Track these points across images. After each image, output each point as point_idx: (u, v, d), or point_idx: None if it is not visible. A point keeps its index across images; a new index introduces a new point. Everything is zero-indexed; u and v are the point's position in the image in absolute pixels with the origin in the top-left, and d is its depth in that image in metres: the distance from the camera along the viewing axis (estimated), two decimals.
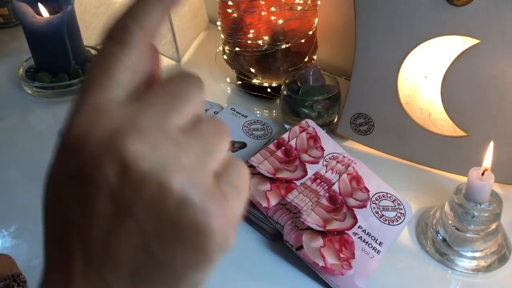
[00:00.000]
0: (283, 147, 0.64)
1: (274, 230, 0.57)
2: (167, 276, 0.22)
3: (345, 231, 0.56)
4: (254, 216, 0.59)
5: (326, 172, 0.62)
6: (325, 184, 0.61)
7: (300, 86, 0.72)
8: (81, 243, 0.22)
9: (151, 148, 0.21)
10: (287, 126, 0.73)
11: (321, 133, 0.66)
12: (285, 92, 0.71)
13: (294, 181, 0.60)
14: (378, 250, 0.55)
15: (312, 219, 0.56)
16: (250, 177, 0.25)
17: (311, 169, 0.62)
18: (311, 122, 0.67)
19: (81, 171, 0.22)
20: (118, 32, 0.24)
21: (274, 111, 0.80)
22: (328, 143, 0.66)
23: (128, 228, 0.21)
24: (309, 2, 0.73)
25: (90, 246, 0.22)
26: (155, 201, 0.21)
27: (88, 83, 0.23)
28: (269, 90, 0.79)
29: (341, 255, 0.54)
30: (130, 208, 0.21)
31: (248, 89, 0.82)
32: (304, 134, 0.65)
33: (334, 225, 0.56)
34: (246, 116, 0.76)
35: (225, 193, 0.23)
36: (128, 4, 0.25)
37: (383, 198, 0.61)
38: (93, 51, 0.91)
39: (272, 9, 0.72)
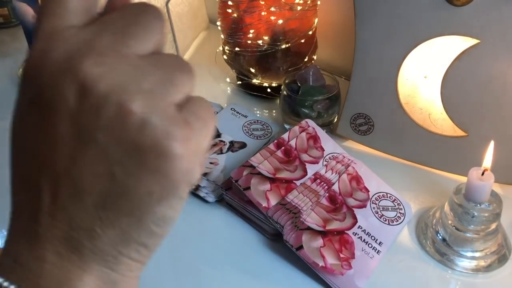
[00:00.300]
0: (283, 147, 0.64)
1: (274, 230, 0.57)
2: (132, 206, 0.22)
3: (345, 231, 0.56)
4: (254, 216, 0.59)
5: (326, 172, 0.62)
6: (325, 184, 0.61)
7: (300, 86, 0.72)
8: (45, 176, 0.22)
9: (109, 70, 0.21)
10: (287, 126, 0.73)
11: (321, 133, 0.66)
12: (285, 92, 0.71)
13: (294, 181, 0.61)
14: (378, 250, 0.55)
15: (312, 219, 0.56)
16: (214, 114, 0.25)
17: (311, 169, 0.62)
18: (311, 122, 0.67)
19: (40, 96, 0.21)
20: None
21: (274, 111, 0.80)
22: (328, 143, 0.66)
23: (90, 154, 0.21)
24: (309, 2, 0.73)
25: (55, 177, 0.22)
26: (115, 124, 0.21)
27: (42, 12, 0.23)
28: (269, 90, 0.79)
29: (341, 255, 0.54)
30: (91, 132, 0.21)
31: (248, 89, 0.82)
32: (304, 134, 0.65)
33: (334, 225, 0.56)
34: (246, 116, 0.76)
35: (188, 121, 0.22)
36: None
37: (383, 198, 0.61)
38: None
39: (272, 9, 0.72)
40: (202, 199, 0.63)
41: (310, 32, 0.76)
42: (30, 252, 0.22)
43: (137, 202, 0.22)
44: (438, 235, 0.56)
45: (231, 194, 0.61)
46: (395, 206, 0.61)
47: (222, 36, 0.80)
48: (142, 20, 0.23)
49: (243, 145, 0.70)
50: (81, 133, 0.21)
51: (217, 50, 0.86)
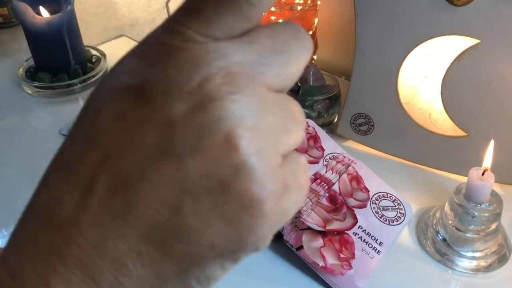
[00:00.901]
0: None
1: None
2: (184, 252, 0.18)
3: (345, 231, 0.56)
4: None
5: (326, 172, 0.62)
6: (325, 184, 0.61)
7: (300, 86, 0.72)
8: (101, 174, 0.18)
9: (233, 93, 0.18)
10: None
11: (321, 133, 0.66)
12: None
13: None
14: (378, 250, 0.55)
15: (312, 219, 0.56)
16: (308, 181, 0.21)
17: (311, 169, 0.62)
18: (311, 122, 0.67)
19: (142, 89, 0.18)
20: None
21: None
22: (328, 143, 0.66)
23: (165, 173, 0.17)
24: (309, 2, 0.73)
25: (111, 182, 0.18)
26: (213, 153, 0.17)
27: (187, 11, 0.19)
28: (303, 134, 0.79)
29: (341, 255, 0.54)
30: (179, 150, 0.17)
31: None
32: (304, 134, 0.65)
33: (334, 225, 0.56)
34: None
35: (287, 181, 0.19)
36: None
37: (383, 198, 0.61)
38: (93, 51, 0.91)
39: (272, 9, 0.72)
40: None
41: (310, 32, 0.76)
42: (34, 272, 0.18)
43: (192, 249, 0.18)
44: (439, 235, 0.56)
45: None
46: (395, 206, 0.61)
47: None
48: (290, 50, 0.20)
49: None
50: (168, 147, 0.17)
51: None
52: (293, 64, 0.20)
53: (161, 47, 0.19)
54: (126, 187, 0.18)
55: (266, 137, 0.18)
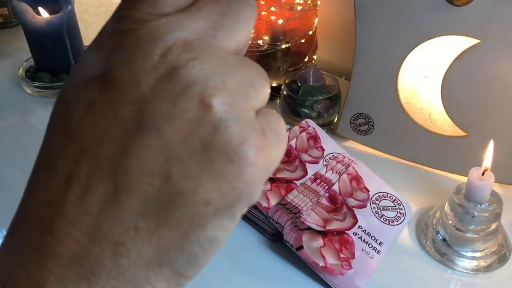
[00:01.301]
0: None
1: (274, 230, 0.57)
2: (181, 216, 0.18)
3: (345, 231, 0.56)
4: (254, 216, 0.59)
5: (326, 172, 0.62)
6: (325, 184, 0.61)
7: (300, 86, 0.72)
8: (83, 163, 0.18)
9: (197, 58, 0.18)
10: (287, 126, 0.73)
11: (321, 133, 0.66)
12: (285, 92, 0.71)
13: (294, 181, 0.60)
14: (378, 250, 0.55)
15: (312, 219, 0.56)
16: (286, 130, 0.22)
17: (311, 169, 0.62)
18: (311, 122, 0.67)
19: (107, 75, 0.18)
20: None
21: (274, 111, 0.79)
22: (328, 143, 0.66)
23: (147, 145, 0.18)
24: (309, 2, 0.73)
25: (94, 167, 0.18)
26: (189, 117, 0.18)
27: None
28: (269, 90, 0.79)
29: (341, 255, 0.54)
30: (156, 120, 0.18)
31: None
32: (304, 134, 0.65)
33: (334, 225, 0.56)
34: None
35: (264, 129, 0.20)
36: None
37: (383, 198, 0.61)
38: None
39: (272, 9, 0.72)
40: None
41: (310, 32, 0.76)
42: (27, 277, 0.18)
43: (189, 212, 0.18)
44: (439, 235, 0.56)
45: None
46: (395, 206, 0.61)
47: None
48: (236, 10, 0.20)
49: None
50: (144, 120, 0.18)
51: None
52: (241, 23, 0.21)
53: (116, 34, 0.19)
54: (111, 168, 0.18)
55: (236, 93, 0.19)
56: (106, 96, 0.18)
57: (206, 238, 0.19)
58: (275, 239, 0.58)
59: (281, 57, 0.76)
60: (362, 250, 0.55)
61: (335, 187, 0.60)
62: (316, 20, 0.77)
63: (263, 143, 0.19)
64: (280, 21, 0.73)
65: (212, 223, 0.19)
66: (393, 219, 0.59)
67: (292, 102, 0.71)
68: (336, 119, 0.72)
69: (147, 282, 0.19)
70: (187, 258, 0.19)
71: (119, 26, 0.20)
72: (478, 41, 0.59)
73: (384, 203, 0.61)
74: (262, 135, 0.19)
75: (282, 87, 0.72)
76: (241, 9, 0.21)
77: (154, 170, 0.18)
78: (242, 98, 0.19)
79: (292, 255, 0.55)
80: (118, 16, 0.20)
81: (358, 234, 0.56)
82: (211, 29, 0.20)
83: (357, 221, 0.57)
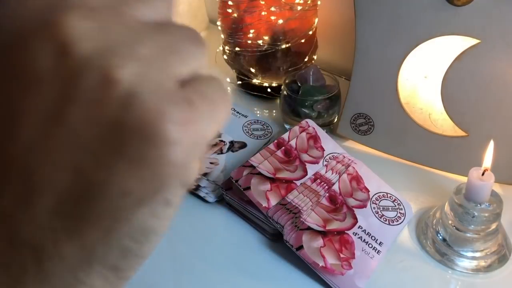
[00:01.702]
0: (283, 147, 0.64)
1: (274, 230, 0.57)
2: (100, 211, 0.16)
3: (345, 231, 0.56)
4: (254, 216, 0.59)
5: (326, 172, 0.62)
6: (325, 184, 0.61)
7: (300, 86, 0.72)
8: None
9: (98, 28, 0.16)
10: (287, 126, 0.73)
11: (321, 133, 0.66)
12: (285, 92, 0.71)
13: (294, 181, 0.60)
14: (378, 250, 0.55)
15: (312, 219, 0.56)
16: (228, 97, 0.19)
17: (311, 169, 0.62)
18: (311, 122, 0.67)
19: (6, 56, 0.16)
20: None
21: (274, 111, 0.80)
22: (328, 143, 0.66)
23: (56, 137, 0.16)
24: (309, 2, 0.73)
25: (2, 166, 0.16)
26: (94, 96, 0.16)
27: None
28: (269, 90, 0.79)
29: (341, 255, 0.54)
30: (62, 106, 0.16)
31: (248, 89, 0.82)
32: (304, 134, 0.65)
33: (334, 225, 0.56)
34: (246, 116, 0.76)
35: (191, 101, 0.17)
36: None
37: (383, 198, 0.61)
38: None
39: (272, 9, 0.72)
40: (202, 199, 0.63)
41: (310, 32, 0.76)
42: None
43: (107, 205, 0.16)
44: (439, 235, 0.56)
45: (231, 194, 0.61)
46: (395, 206, 0.61)
47: (222, 36, 0.80)
48: None
49: (243, 145, 0.70)
50: (49, 108, 0.16)
51: (217, 50, 0.86)
52: None
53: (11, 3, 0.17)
54: (18, 168, 0.16)
55: (149, 62, 0.16)
56: (4, 82, 0.16)
57: (137, 230, 0.17)
58: (275, 239, 0.58)
59: (281, 57, 0.76)
60: (362, 250, 0.55)
61: (335, 187, 0.60)
62: (316, 20, 0.77)
63: (189, 116, 0.17)
64: (280, 21, 0.73)
65: (139, 214, 0.17)
66: (393, 219, 0.59)
67: (292, 102, 0.71)
68: (336, 119, 0.72)
69: (81, 283, 0.17)
70: (119, 252, 0.17)
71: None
72: (478, 41, 0.59)
73: (384, 203, 0.61)
74: (188, 107, 0.17)
75: (282, 87, 0.72)
76: None
77: (63, 164, 0.16)
78: (159, 67, 0.17)
79: (292, 255, 0.55)
80: None
81: (358, 234, 0.56)
82: None
83: (357, 221, 0.57)
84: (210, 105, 0.18)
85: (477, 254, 0.55)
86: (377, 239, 0.56)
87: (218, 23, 0.79)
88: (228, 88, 0.86)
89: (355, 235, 0.56)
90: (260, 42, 0.75)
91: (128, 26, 0.17)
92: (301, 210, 0.57)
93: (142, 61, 0.16)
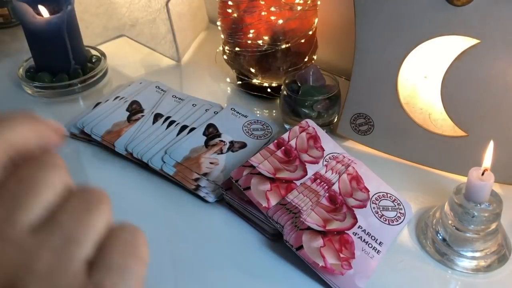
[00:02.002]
0: (283, 147, 0.64)
1: (274, 230, 0.57)
2: None
3: (345, 231, 0.56)
4: (254, 216, 0.59)
5: (326, 172, 0.62)
6: (325, 184, 0.61)
7: (300, 86, 0.72)
8: None
9: None
10: (287, 126, 0.73)
11: (321, 133, 0.66)
12: (285, 92, 0.71)
13: (294, 181, 0.61)
14: (378, 250, 0.55)
15: (312, 219, 0.56)
16: (143, 242, 0.20)
17: (311, 169, 0.62)
18: (311, 122, 0.67)
19: None
20: None
21: (274, 111, 0.80)
22: (328, 143, 0.66)
23: None
24: (309, 2, 0.73)
25: None
26: None
27: None
28: (269, 90, 0.79)
29: (341, 255, 0.54)
30: None
31: (248, 89, 0.82)
32: (304, 134, 0.65)
33: (334, 225, 0.56)
34: (246, 116, 0.76)
35: (102, 285, 0.18)
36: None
37: (383, 198, 0.61)
38: (93, 51, 0.91)
39: (272, 9, 0.72)
40: (202, 199, 0.63)
41: (310, 32, 0.76)
42: None
43: None
44: (438, 235, 0.56)
45: (231, 194, 0.61)
46: (395, 206, 0.61)
47: (222, 36, 0.80)
48: (38, 180, 0.19)
49: (243, 145, 0.70)
50: None
51: (217, 50, 0.86)
52: (44, 188, 0.19)
53: None
54: None
55: (51, 271, 0.18)
56: None
57: None
58: (275, 239, 0.58)
59: (281, 57, 0.76)
60: (362, 250, 0.55)
61: (335, 187, 0.60)
62: (316, 20, 0.77)
63: None
64: (280, 21, 0.73)
65: None
66: (393, 219, 0.59)
67: (292, 102, 0.71)
68: (336, 119, 0.72)
69: None
70: None
71: None
72: (478, 41, 0.59)
73: (384, 203, 0.61)
74: None
75: (282, 87, 0.72)
76: (40, 172, 0.19)
77: None
78: (61, 270, 0.18)
79: (292, 255, 0.55)
80: None
81: (358, 234, 0.56)
82: (6, 212, 0.18)
83: (357, 221, 0.57)
84: (122, 273, 0.19)
85: (477, 254, 0.55)
86: (377, 239, 0.56)
87: (218, 23, 0.79)
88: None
89: (355, 235, 0.56)
90: (260, 42, 0.75)
91: (18, 244, 0.18)
92: (301, 210, 0.57)
93: (44, 275, 0.17)
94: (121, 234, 0.20)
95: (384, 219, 0.59)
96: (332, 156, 0.65)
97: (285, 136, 0.65)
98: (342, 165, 0.64)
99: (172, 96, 0.80)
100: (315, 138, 0.66)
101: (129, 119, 0.75)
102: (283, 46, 0.75)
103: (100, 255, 0.19)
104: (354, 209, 0.59)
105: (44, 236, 0.18)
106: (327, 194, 0.60)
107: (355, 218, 0.58)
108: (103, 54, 0.90)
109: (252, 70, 0.78)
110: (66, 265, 0.18)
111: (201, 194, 0.63)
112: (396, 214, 0.60)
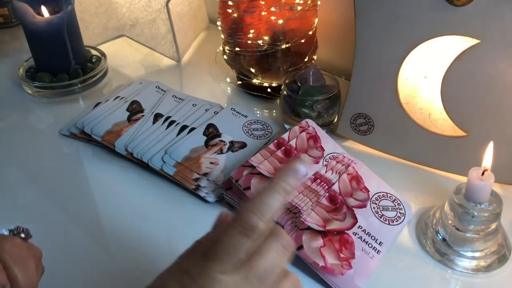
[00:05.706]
0: (283, 147, 0.64)
1: None
2: None
3: (345, 231, 0.56)
4: None
5: (326, 172, 0.62)
6: (325, 184, 0.61)
7: (300, 86, 0.72)
8: None
9: None
10: (287, 126, 0.73)
11: (321, 133, 0.66)
12: (285, 92, 0.71)
13: None
14: (378, 250, 0.55)
15: (312, 219, 0.56)
16: None
17: (311, 169, 0.62)
18: (311, 122, 0.67)
19: None
20: (244, 224, 0.31)
21: (274, 111, 0.80)
22: (328, 143, 0.66)
23: None
24: (309, 2, 0.73)
25: None
26: None
27: (215, 255, 0.32)
28: (269, 90, 0.80)
29: (341, 255, 0.54)
30: None
31: (248, 89, 0.82)
32: (304, 134, 0.66)
33: (334, 225, 0.56)
34: (246, 116, 0.76)
35: None
36: (254, 194, 0.32)
37: (383, 198, 0.61)
38: (93, 51, 0.91)
39: (272, 9, 0.72)
40: (202, 199, 0.63)
41: (310, 32, 0.76)
42: None
43: None
44: (438, 235, 0.56)
45: (231, 194, 0.61)
46: (395, 206, 0.61)
47: (222, 36, 0.80)
48: (275, 270, 0.34)
49: (243, 145, 0.70)
50: None
51: (217, 50, 0.86)
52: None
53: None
54: None
55: None
56: None
57: None
58: None
59: (281, 57, 0.76)
60: (362, 250, 0.55)
61: (335, 187, 0.60)
62: (316, 20, 0.77)
63: None
64: (280, 21, 0.73)
65: None
66: (393, 219, 0.59)
67: (292, 102, 0.71)
68: (336, 119, 0.72)
69: None
70: None
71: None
72: (478, 41, 0.59)
73: (384, 203, 0.61)
74: None
75: (282, 87, 0.72)
76: (279, 263, 0.37)
77: None
78: None
79: (292, 255, 0.55)
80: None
81: (358, 234, 0.56)
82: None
83: (357, 221, 0.57)
84: None
85: (477, 254, 0.55)
86: (377, 239, 0.56)
87: (218, 23, 0.79)
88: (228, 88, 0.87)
89: (355, 235, 0.56)
90: (260, 42, 0.75)
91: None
92: (301, 210, 0.57)
93: None
94: None
95: (384, 219, 0.59)
96: (332, 156, 0.65)
97: (285, 136, 0.65)
98: (342, 165, 0.64)
99: (172, 96, 0.80)
100: (315, 138, 0.66)
101: (129, 119, 0.75)
102: (283, 46, 0.75)
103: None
104: (354, 209, 0.59)
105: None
106: (327, 194, 0.60)
107: (355, 218, 0.58)
108: (103, 54, 0.90)
109: (252, 70, 0.78)
110: None
111: (201, 194, 0.63)
112: (396, 214, 0.60)
